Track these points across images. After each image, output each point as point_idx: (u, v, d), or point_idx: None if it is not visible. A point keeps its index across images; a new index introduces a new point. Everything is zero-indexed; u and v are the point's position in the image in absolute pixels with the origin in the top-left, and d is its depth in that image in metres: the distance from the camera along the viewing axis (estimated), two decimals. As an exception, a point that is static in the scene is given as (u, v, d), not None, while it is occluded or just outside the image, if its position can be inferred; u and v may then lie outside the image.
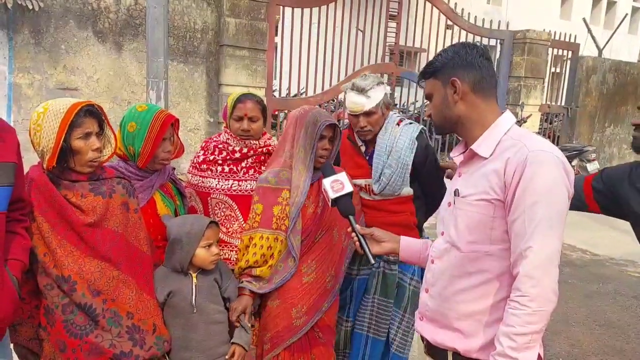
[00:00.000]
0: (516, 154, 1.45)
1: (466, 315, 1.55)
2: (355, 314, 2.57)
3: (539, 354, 1.45)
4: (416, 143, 2.47)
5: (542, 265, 1.38)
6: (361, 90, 2.39)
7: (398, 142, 2.46)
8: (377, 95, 2.40)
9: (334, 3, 7.18)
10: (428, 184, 2.53)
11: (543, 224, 1.39)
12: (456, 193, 1.59)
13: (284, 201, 2.19)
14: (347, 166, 2.51)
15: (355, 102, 2.40)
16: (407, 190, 2.51)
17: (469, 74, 1.55)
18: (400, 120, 2.53)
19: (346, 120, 8.99)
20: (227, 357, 2.05)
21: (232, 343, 2.08)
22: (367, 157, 2.53)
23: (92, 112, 1.78)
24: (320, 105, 7.48)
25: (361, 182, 2.51)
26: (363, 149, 2.55)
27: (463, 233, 1.54)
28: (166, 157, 2.12)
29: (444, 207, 1.71)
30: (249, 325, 2.16)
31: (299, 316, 2.17)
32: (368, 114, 2.41)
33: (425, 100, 10.25)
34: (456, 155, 1.67)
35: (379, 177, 2.44)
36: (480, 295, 1.53)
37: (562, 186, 1.42)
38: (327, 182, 1.98)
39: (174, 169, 2.31)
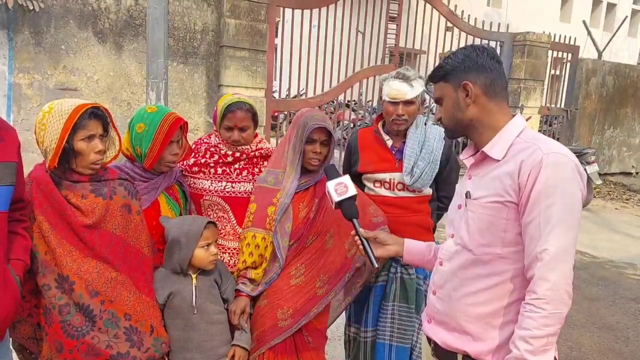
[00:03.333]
0: (530, 156, 1.44)
1: (476, 317, 1.55)
2: (375, 324, 2.53)
3: (554, 357, 1.45)
4: (444, 142, 2.52)
5: (557, 267, 1.38)
6: (406, 79, 2.43)
7: (429, 137, 2.51)
8: (418, 87, 2.45)
9: (334, 4, 7.18)
10: (445, 185, 2.56)
11: (558, 227, 1.39)
12: (467, 195, 1.58)
13: (278, 202, 2.19)
14: (370, 160, 2.54)
15: (399, 89, 2.43)
16: (428, 190, 2.54)
17: (481, 77, 1.54)
18: (426, 121, 2.60)
19: (346, 122, 9.02)
20: (227, 357, 2.06)
21: (232, 345, 2.10)
22: (394, 152, 2.53)
23: (97, 114, 1.77)
24: (319, 107, 7.48)
25: (385, 176, 2.52)
26: (389, 143, 2.55)
27: (475, 235, 1.54)
28: (172, 160, 2.11)
29: (453, 209, 1.70)
30: (247, 326, 2.17)
31: (284, 318, 2.16)
32: (408, 103, 2.44)
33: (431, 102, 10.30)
34: (466, 158, 1.66)
35: (412, 169, 2.45)
36: (492, 298, 1.52)
37: (576, 188, 1.42)
38: (331, 185, 1.97)
39: (182, 171, 2.30)
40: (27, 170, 1.79)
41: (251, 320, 2.22)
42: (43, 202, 1.74)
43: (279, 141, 2.52)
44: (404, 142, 2.52)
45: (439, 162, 2.48)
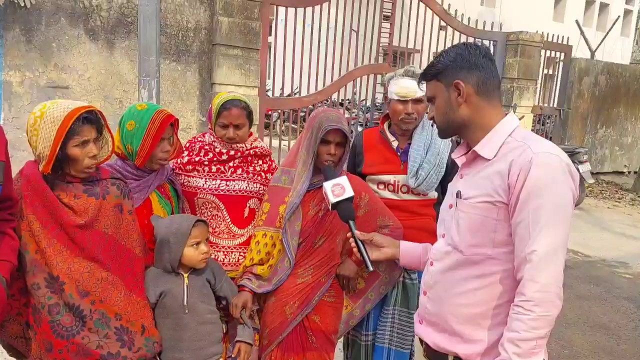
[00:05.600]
0: (520, 155, 1.42)
1: (466, 318, 1.53)
2: (375, 328, 2.51)
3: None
4: (450, 144, 2.48)
5: (546, 269, 1.36)
6: (416, 76, 2.37)
7: (435, 139, 2.45)
8: (421, 85, 2.42)
9: (327, 3, 7.16)
10: None
11: (548, 228, 1.37)
12: (458, 195, 1.56)
13: (288, 201, 2.19)
14: (375, 161, 2.50)
15: (408, 87, 2.39)
16: (433, 194, 2.49)
17: (473, 75, 1.52)
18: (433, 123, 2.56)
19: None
20: (233, 354, 2.07)
21: (237, 341, 2.10)
22: (399, 153, 2.50)
23: (90, 118, 1.74)
24: (314, 106, 7.46)
25: (390, 178, 2.48)
26: (395, 144, 2.51)
27: (465, 236, 1.52)
28: (164, 157, 2.10)
29: (445, 208, 1.69)
30: (250, 321, 2.18)
31: (291, 311, 2.18)
32: (418, 100, 2.40)
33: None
34: (458, 157, 1.65)
35: (417, 172, 2.41)
36: (482, 299, 1.51)
37: (567, 189, 1.40)
38: (328, 186, 1.96)
39: (173, 169, 2.29)
40: (18, 168, 1.76)
41: (262, 318, 2.24)
42: (34, 201, 1.72)
43: (272, 140, 2.51)
44: (410, 144, 2.48)
45: (445, 165, 2.43)
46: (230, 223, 2.29)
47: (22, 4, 5.35)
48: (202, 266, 2.04)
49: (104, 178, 1.87)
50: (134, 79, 5.81)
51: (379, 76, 7.91)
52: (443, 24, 8.47)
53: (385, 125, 2.57)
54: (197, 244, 2.00)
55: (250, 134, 2.37)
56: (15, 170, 1.72)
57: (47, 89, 5.68)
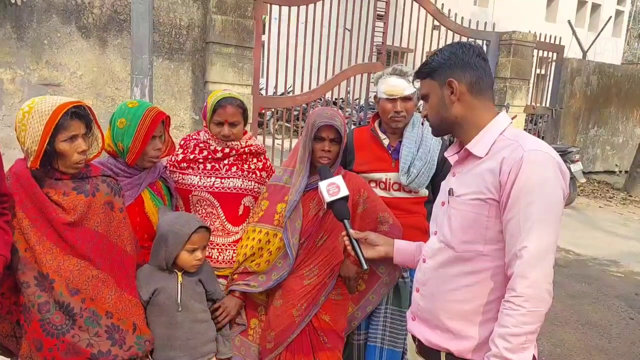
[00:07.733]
0: (512, 153, 1.44)
1: (458, 315, 1.54)
2: (368, 326, 2.51)
3: (533, 355, 1.45)
4: (441, 142, 2.49)
5: (537, 265, 1.38)
6: (403, 74, 2.40)
7: (426, 136, 2.47)
8: (416, 83, 2.43)
9: (321, 1, 7.15)
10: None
11: (538, 225, 1.38)
12: (450, 192, 1.58)
13: (288, 199, 2.20)
14: (366, 160, 2.51)
15: (396, 85, 2.40)
16: (424, 191, 2.50)
17: (466, 74, 1.54)
18: (423, 120, 2.55)
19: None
20: None
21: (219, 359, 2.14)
22: (390, 151, 2.51)
23: (79, 113, 1.73)
24: (307, 105, 7.45)
25: (381, 176, 2.49)
26: (386, 142, 2.52)
27: (457, 232, 1.53)
28: (155, 155, 2.09)
29: (437, 206, 1.71)
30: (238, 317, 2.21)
31: (299, 314, 2.19)
32: (406, 99, 2.42)
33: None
34: (451, 155, 1.66)
35: (408, 169, 2.42)
36: (473, 295, 1.52)
37: (557, 186, 1.42)
38: (323, 185, 1.98)
39: (166, 167, 2.28)
40: (9, 166, 1.75)
41: (267, 320, 2.25)
42: (23, 198, 1.71)
43: (265, 138, 2.52)
44: (401, 142, 2.49)
45: (436, 162, 2.45)
46: (224, 221, 2.29)
47: (13, 1, 5.31)
48: (193, 271, 2.04)
49: (95, 175, 1.86)
50: (127, 76, 5.78)
51: (372, 75, 7.91)
52: (436, 23, 8.48)
53: (376, 124, 2.59)
54: (194, 250, 1.99)
55: (245, 132, 2.37)
56: (6, 168, 1.71)
57: (38, 86, 5.64)
